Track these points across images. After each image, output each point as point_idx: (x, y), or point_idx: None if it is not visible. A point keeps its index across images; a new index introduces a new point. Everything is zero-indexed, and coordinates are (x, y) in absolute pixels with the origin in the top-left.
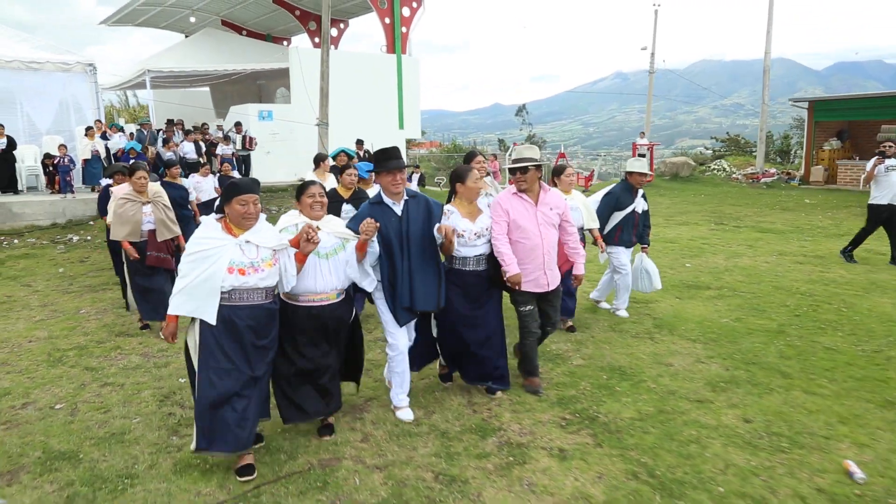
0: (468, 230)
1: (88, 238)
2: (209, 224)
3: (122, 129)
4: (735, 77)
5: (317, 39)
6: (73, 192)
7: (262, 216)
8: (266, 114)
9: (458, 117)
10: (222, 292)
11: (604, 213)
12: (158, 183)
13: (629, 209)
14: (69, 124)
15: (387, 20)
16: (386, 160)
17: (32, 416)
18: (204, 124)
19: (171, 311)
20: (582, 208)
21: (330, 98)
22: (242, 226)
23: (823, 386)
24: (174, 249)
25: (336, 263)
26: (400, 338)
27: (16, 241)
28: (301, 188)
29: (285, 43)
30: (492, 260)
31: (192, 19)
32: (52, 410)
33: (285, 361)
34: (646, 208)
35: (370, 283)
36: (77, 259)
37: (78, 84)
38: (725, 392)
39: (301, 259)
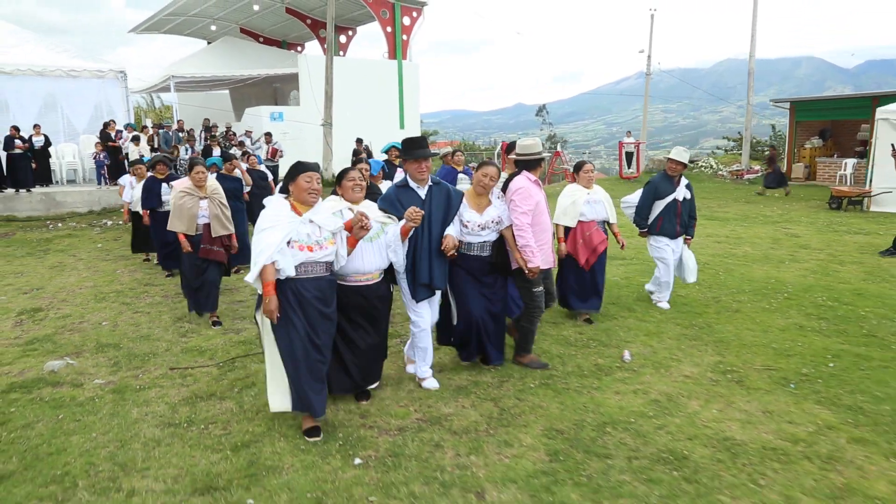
0: (472, 221)
1: (120, 223)
2: (277, 202)
3: (135, 129)
4: (761, 76)
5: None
6: (107, 183)
7: (320, 199)
8: (277, 115)
9: (480, 117)
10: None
11: (645, 203)
12: (215, 177)
13: (670, 198)
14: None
15: (388, 29)
16: (414, 149)
17: (88, 328)
18: (230, 131)
19: (252, 278)
20: (605, 202)
21: (335, 100)
22: (307, 202)
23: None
24: (227, 245)
25: (378, 246)
26: (424, 315)
27: (59, 224)
28: (341, 174)
29: (299, 49)
30: (497, 247)
31: (213, 27)
32: (100, 325)
33: (338, 336)
34: (689, 197)
35: (403, 265)
36: (111, 238)
37: (110, 89)
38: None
39: (353, 243)
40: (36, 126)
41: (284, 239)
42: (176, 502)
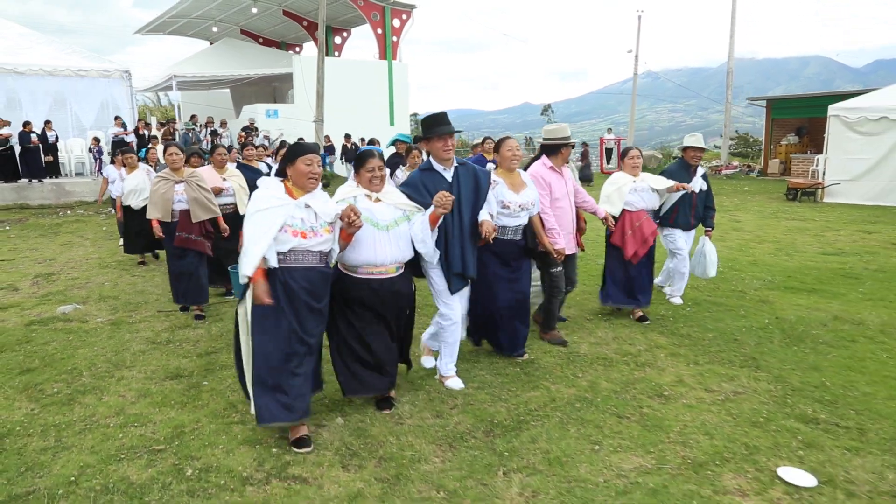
0: (513, 202)
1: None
2: (270, 183)
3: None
4: (769, 75)
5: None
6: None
7: (320, 185)
8: (273, 112)
9: (487, 116)
10: (279, 253)
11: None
12: (235, 166)
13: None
14: (109, 121)
15: (379, 30)
16: (437, 125)
17: (93, 286)
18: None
19: (248, 270)
20: (653, 190)
21: (329, 99)
22: (305, 187)
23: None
24: (212, 233)
25: (396, 236)
26: (455, 307)
27: (68, 212)
28: (360, 159)
29: (298, 49)
30: (527, 231)
31: (215, 29)
32: (103, 284)
33: (349, 332)
34: (706, 188)
35: (436, 255)
36: (115, 224)
37: (116, 88)
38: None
39: (346, 237)
40: (47, 122)
41: (280, 223)
42: (152, 382)
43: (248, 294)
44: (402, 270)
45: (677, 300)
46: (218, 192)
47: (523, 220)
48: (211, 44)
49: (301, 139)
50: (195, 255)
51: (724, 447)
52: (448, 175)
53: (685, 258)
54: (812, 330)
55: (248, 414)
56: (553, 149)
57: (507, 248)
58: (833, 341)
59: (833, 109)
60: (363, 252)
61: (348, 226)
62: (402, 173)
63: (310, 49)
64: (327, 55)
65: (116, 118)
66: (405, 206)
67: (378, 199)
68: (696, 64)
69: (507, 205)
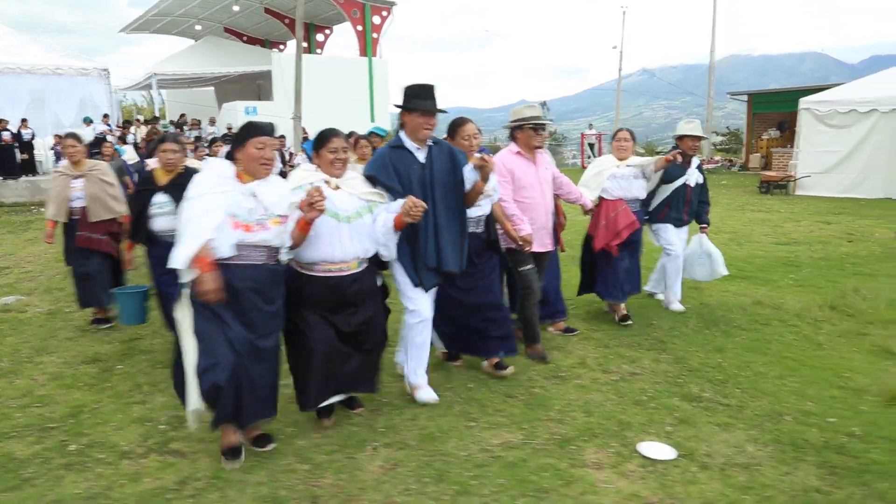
0: None
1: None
2: (217, 165)
3: (91, 121)
4: (765, 71)
5: (305, 44)
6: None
7: (276, 168)
8: (251, 109)
9: (482, 114)
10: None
11: (651, 187)
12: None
13: (680, 181)
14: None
15: (359, 27)
16: (421, 98)
17: (43, 279)
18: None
19: (181, 260)
20: (637, 177)
21: (309, 96)
22: (256, 173)
23: None
24: (116, 232)
25: (358, 228)
26: (421, 302)
27: (42, 209)
28: (321, 139)
29: (281, 47)
30: (491, 223)
31: (199, 27)
32: (54, 277)
33: (306, 337)
34: (701, 181)
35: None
36: None
37: (94, 86)
38: None
39: (304, 227)
40: (23, 120)
41: (225, 209)
42: (68, 367)
43: (186, 293)
44: (365, 265)
45: (677, 306)
46: None
47: (485, 210)
48: (195, 42)
49: (251, 122)
50: (99, 256)
51: (598, 424)
52: (421, 155)
53: (678, 255)
54: (730, 314)
55: (149, 395)
56: (517, 132)
57: (470, 243)
58: (746, 324)
59: (804, 103)
60: (321, 247)
61: (309, 208)
62: (352, 168)
63: (293, 47)
64: (310, 53)
65: (105, 116)
66: (368, 195)
67: (338, 187)
68: (693, 60)
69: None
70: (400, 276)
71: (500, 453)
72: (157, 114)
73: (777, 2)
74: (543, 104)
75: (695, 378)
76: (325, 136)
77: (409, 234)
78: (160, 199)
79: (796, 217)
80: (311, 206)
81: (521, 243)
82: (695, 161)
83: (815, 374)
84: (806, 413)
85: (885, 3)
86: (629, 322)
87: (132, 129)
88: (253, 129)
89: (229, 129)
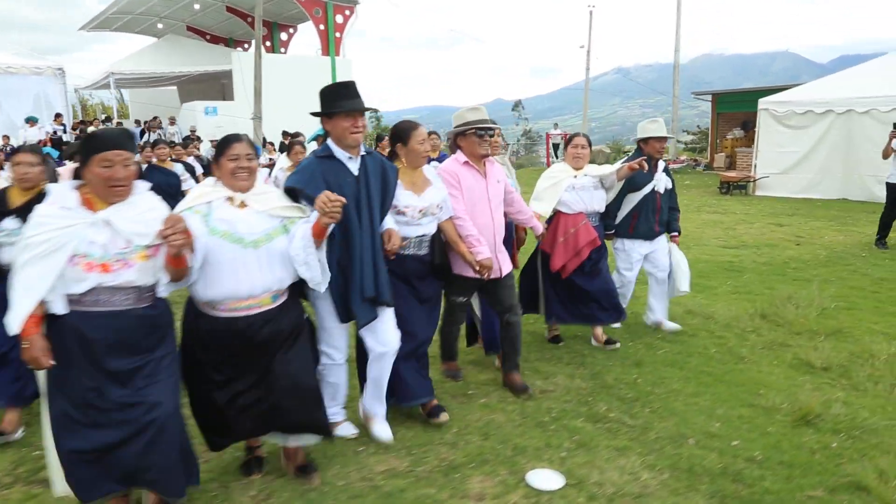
0: (411, 206)
1: None
2: (58, 195)
3: (36, 121)
4: (738, 70)
5: (268, 43)
6: None
7: (145, 186)
8: (211, 109)
9: (453, 112)
10: (72, 295)
11: (615, 196)
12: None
13: (648, 188)
14: (42, 118)
15: (321, 27)
16: (342, 98)
17: None
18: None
19: (15, 327)
20: (597, 188)
21: (270, 95)
22: (108, 198)
23: None
24: None
25: (269, 254)
26: (340, 341)
27: None
28: (221, 145)
29: (246, 46)
30: (436, 244)
31: (160, 25)
32: None
33: (208, 390)
34: (670, 186)
35: (325, 281)
36: None
37: (49, 85)
38: None
39: (175, 262)
40: None
41: (69, 251)
42: None
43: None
44: (282, 299)
45: (669, 324)
46: None
47: (428, 230)
48: (158, 40)
49: (94, 133)
50: None
51: (492, 449)
52: (353, 166)
53: (632, 282)
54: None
55: (35, 416)
56: (459, 139)
57: (409, 267)
58: (672, 336)
59: (763, 103)
60: (223, 281)
61: (170, 245)
62: (283, 174)
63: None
64: (274, 52)
65: (57, 115)
66: (283, 210)
67: (244, 204)
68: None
69: (402, 210)
70: (323, 315)
71: (381, 482)
72: (116, 114)
73: (750, 0)
74: (518, 104)
75: (606, 396)
76: (226, 142)
77: (343, 260)
78: (9, 224)
79: (750, 219)
80: (172, 242)
81: (478, 269)
82: (661, 165)
83: (729, 390)
84: (710, 435)
85: (857, 2)
86: (616, 346)
87: (91, 129)
88: (95, 144)
89: (192, 131)
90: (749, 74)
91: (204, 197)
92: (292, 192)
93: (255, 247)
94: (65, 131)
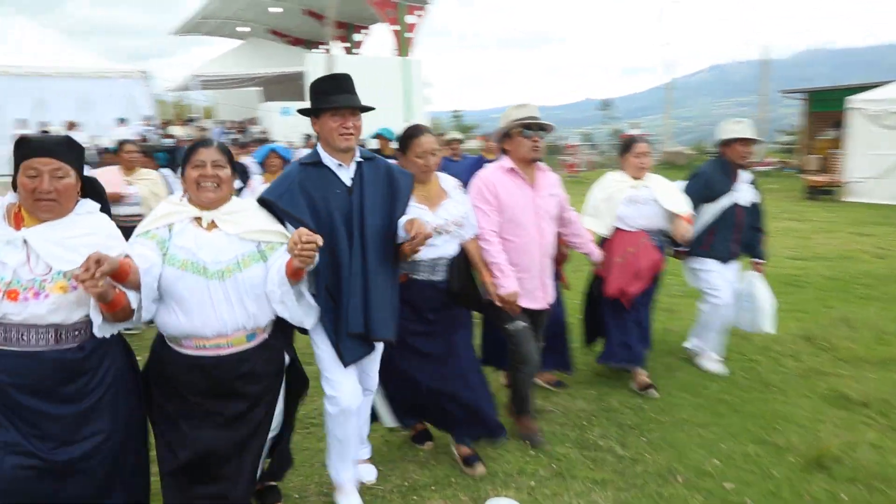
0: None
1: None
2: None
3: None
4: (844, 65)
5: (346, 44)
6: None
7: (88, 204)
8: (287, 110)
9: (548, 112)
10: None
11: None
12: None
13: (727, 200)
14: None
15: (394, 27)
16: (330, 93)
17: None
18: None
19: None
20: (661, 201)
21: None
22: (35, 213)
23: None
24: None
25: (239, 287)
26: (343, 386)
27: None
28: (187, 152)
29: (322, 47)
30: (459, 267)
31: (246, 29)
32: None
33: (174, 436)
34: (756, 200)
35: (315, 316)
36: None
37: (135, 88)
38: None
39: (104, 306)
40: (70, 122)
41: None
42: None
43: None
44: (261, 338)
45: (713, 365)
46: (117, 199)
47: (445, 251)
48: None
49: (23, 137)
50: None
51: (461, 471)
52: (345, 175)
53: (721, 305)
54: (683, 343)
55: None
56: (505, 141)
57: (420, 293)
58: (692, 358)
59: (852, 102)
60: (185, 317)
61: (85, 286)
62: (261, 184)
63: (336, 47)
64: (350, 52)
65: (146, 118)
66: (260, 234)
67: (213, 225)
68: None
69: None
70: (320, 348)
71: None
72: (202, 115)
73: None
74: (606, 103)
75: (604, 420)
76: (192, 147)
77: (332, 287)
78: None
79: (831, 227)
80: (85, 282)
81: (497, 302)
82: (746, 175)
83: (742, 423)
84: (703, 474)
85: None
86: (654, 392)
87: (171, 129)
88: (22, 150)
89: (263, 132)
90: (856, 69)
91: (165, 218)
92: (268, 206)
93: (220, 278)
94: (153, 132)
